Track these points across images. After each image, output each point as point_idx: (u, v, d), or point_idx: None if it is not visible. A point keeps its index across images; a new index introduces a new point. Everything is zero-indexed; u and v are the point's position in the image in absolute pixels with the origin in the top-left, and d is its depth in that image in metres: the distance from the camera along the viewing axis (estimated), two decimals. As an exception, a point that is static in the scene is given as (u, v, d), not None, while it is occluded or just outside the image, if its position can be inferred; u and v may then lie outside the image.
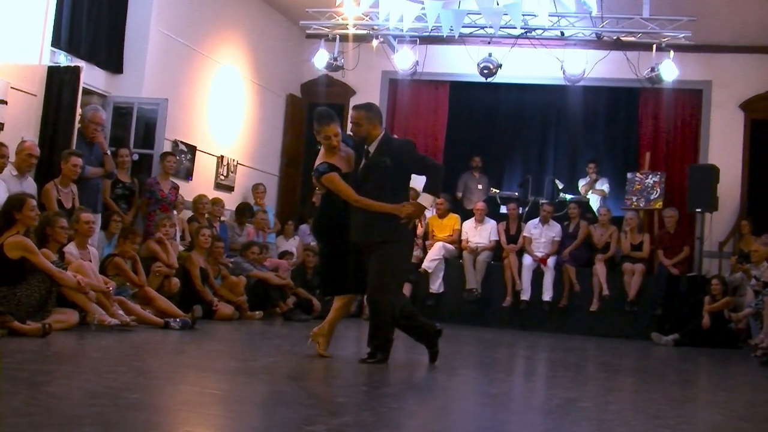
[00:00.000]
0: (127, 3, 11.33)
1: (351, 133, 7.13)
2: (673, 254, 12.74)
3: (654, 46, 12.75)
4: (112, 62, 11.16)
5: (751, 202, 14.29)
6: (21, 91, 9.41)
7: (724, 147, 14.27)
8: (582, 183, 14.77)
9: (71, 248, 8.34)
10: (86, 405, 4.21)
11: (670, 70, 12.88)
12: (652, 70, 12.98)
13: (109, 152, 10.02)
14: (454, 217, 13.69)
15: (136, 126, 11.30)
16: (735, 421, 5.51)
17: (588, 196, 14.43)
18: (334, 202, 6.96)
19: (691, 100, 14.76)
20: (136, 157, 11.10)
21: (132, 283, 9.07)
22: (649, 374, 8.59)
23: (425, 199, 6.97)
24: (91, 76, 10.61)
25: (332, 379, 6.12)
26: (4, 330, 6.70)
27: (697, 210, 13.25)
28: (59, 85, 9.73)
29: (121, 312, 8.15)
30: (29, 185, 8.84)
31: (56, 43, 10.08)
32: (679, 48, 12.77)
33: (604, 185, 14.64)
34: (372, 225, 6.79)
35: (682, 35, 12.31)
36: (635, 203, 13.86)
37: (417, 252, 13.29)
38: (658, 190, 13.74)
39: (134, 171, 10.96)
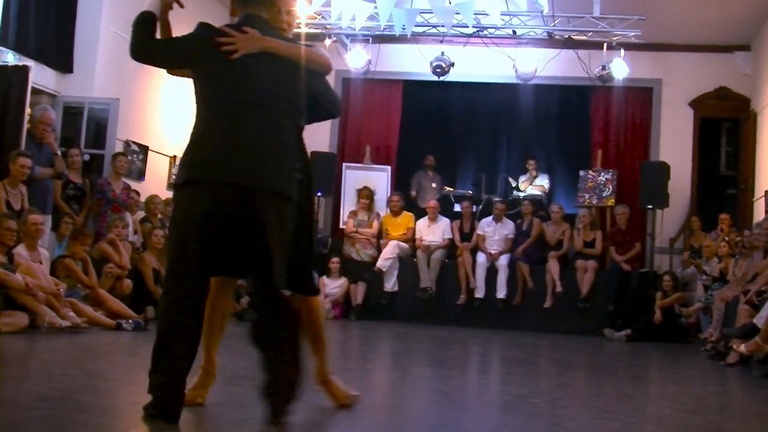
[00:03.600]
0: (76, 1, 11.19)
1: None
2: (625, 251, 12.88)
3: (605, 44, 12.89)
4: (62, 61, 11.02)
5: (700, 198, 14.49)
6: (-32, 90, 9.30)
7: (674, 144, 14.42)
8: (522, 179, 14.85)
9: (21, 250, 8.25)
10: (34, 408, 4.18)
11: (620, 69, 13.02)
12: (603, 68, 13.10)
13: (59, 153, 9.89)
14: (408, 216, 13.73)
15: (87, 126, 11.19)
16: (682, 414, 5.59)
17: (527, 191, 14.54)
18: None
19: (641, 98, 14.90)
20: (87, 157, 11.00)
21: (83, 284, 9.00)
22: (600, 370, 8.66)
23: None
24: (41, 76, 10.49)
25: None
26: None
27: (649, 207, 13.36)
28: (7, 85, 9.61)
29: (72, 314, 8.09)
30: (-24, 186, 8.77)
31: (4, 41, 9.94)
32: (629, 46, 12.91)
33: (544, 181, 14.77)
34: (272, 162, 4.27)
35: (632, 34, 12.46)
36: (588, 200, 13.97)
37: (371, 251, 13.34)
38: (610, 187, 13.86)
39: (85, 172, 10.84)
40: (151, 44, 4.43)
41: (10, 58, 10.10)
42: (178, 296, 4.10)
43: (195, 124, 4.30)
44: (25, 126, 9.67)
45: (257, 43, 4.28)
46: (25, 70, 9.73)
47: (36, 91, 10.29)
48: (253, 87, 4.28)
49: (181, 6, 4.57)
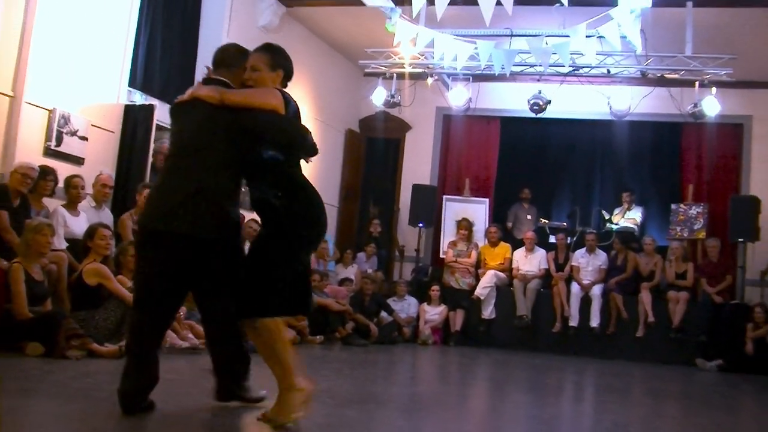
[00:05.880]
0: (197, 46, 11.95)
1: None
2: (716, 283, 12.93)
3: (696, 82, 12.97)
4: (184, 101, 11.68)
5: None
6: (100, 128, 9.96)
7: (764, 179, 14.45)
8: (616, 211, 14.98)
9: (146, 275, 8.77)
10: (162, 425, 4.50)
11: (712, 106, 13.13)
12: (695, 105, 13.23)
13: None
14: (505, 246, 14.09)
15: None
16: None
17: (620, 223, 14.68)
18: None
19: (732, 134, 14.99)
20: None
21: (201, 308, 9.45)
22: (695, 400, 8.70)
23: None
24: (164, 114, 11.07)
25: (391, 403, 6.22)
26: (84, 351, 7.08)
27: (739, 240, 13.45)
28: (134, 123, 10.24)
29: (191, 335, 8.48)
30: (106, 216, 9.36)
31: (132, 83, 10.67)
32: (720, 84, 13.00)
33: (636, 213, 14.84)
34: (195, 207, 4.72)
35: (724, 72, 12.46)
36: (679, 233, 14.11)
37: (470, 280, 13.74)
38: (701, 220, 13.99)
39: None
40: None
41: (137, 97, 10.81)
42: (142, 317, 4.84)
43: None
44: (150, 160, 10.26)
45: (193, 92, 4.85)
46: (150, 108, 10.37)
47: (160, 128, 10.83)
48: (180, 139, 4.93)
49: None
